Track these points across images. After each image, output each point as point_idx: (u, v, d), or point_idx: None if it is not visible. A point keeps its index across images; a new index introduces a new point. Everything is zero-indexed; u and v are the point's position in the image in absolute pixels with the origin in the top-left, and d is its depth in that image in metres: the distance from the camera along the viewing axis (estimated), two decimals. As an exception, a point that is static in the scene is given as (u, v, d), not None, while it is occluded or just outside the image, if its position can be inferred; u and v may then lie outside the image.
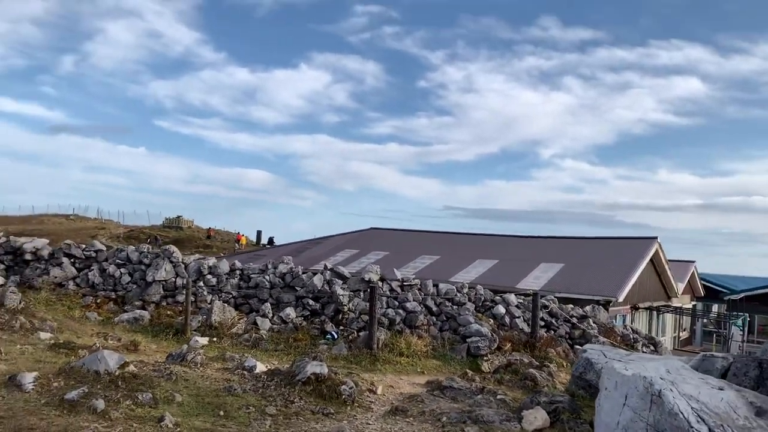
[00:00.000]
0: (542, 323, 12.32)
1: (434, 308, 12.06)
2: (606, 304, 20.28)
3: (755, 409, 4.05)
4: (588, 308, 13.52)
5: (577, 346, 12.27)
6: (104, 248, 13.79)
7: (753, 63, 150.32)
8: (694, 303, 35.67)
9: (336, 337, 11.28)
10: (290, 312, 11.88)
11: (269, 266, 13.14)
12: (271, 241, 59.64)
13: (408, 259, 27.56)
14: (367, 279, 12.31)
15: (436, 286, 12.72)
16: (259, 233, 67.38)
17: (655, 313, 26.62)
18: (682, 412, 3.58)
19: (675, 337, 31.19)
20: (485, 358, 10.88)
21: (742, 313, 32.82)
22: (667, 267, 26.85)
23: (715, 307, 40.31)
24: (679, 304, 30.01)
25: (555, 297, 13.43)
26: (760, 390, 5.54)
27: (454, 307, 12.12)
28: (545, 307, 12.74)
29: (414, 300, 12.01)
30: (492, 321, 12.17)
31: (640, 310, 24.69)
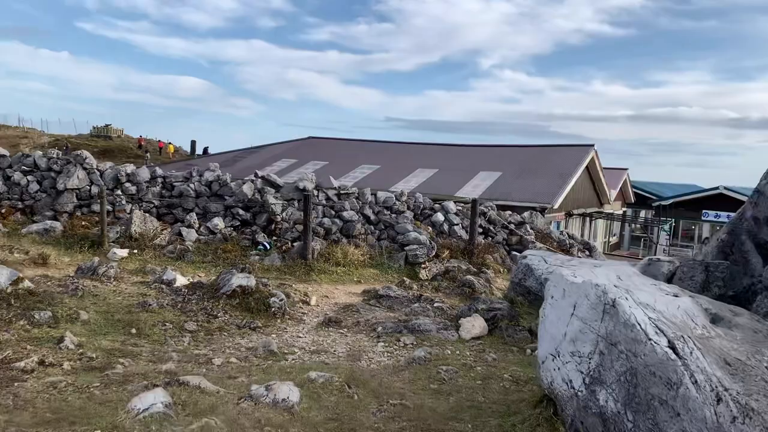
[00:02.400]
0: (480, 230, 12.12)
1: (372, 217, 11.59)
2: (542, 211, 20.49)
3: (710, 316, 3.77)
4: (526, 215, 13.40)
5: (515, 252, 12.20)
6: (7, 153, 12.41)
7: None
8: (624, 209, 36.98)
9: (268, 247, 10.70)
10: (218, 222, 11.15)
11: (194, 174, 12.20)
12: (205, 151, 57.49)
13: (348, 169, 26.90)
14: (301, 187, 11.62)
15: (374, 194, 12.19)
16: (193, 143, 64.56)
17: (588, 219, 27.33)
18: (639, 323, 3.20)
19: (605, 242, 32.42)
20: (423, 265, 10.60)
21: (669, 219, 34.29)
22: (601, 175, 27.33)
23: (642, 213, 42.06)
24: (610, 211, 30.95)
25: (494, 204, 13.19)
26: (704, 294, 5.35)
27: (393, 215, 11.68)
28: (484, 214, 12.50)
29: (351, 209, 11.48)
30: (431, 229, 11.85)
31: (574, 216, 25.22)
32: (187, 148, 64.49)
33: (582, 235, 26.79)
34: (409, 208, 12.10)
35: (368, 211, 11.61)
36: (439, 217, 12.05)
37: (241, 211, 11.42)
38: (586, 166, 25.10)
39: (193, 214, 11.33)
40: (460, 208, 12.56)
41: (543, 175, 23.42)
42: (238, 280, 7.17)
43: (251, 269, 9.57)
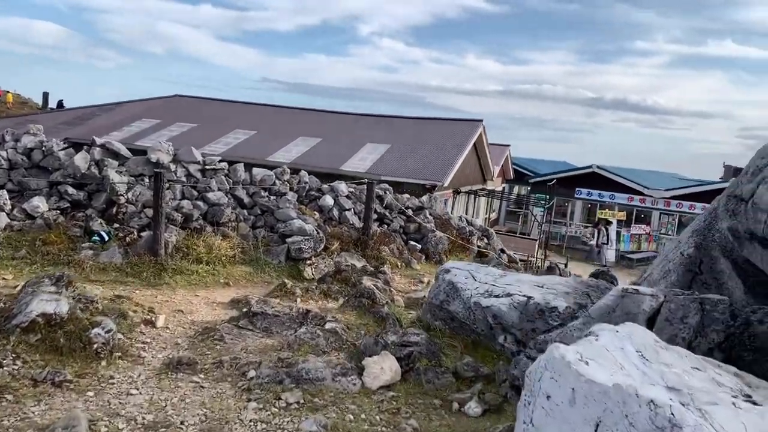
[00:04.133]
0: (375, 216, 10.45)
1: (246, 200, 9.48)
2: (432, 189, 19.33)
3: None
4: (425, 198, 11.93)
5: (412, 243, 10.70)
6: None
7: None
8: (503, 185, 37.29)
9: (107, 238, 8.27)
10: (39, 203, 8.49)
11: (7, 138, 9.30)
12: (60, 104, 51.02)
13: (219, 134, 24.09)
14: (154, 160, 9.21)
15: (249, 170, 10.05)
16: (45, 95, 56.89)
17: (472, 196, 26.78)
18: None
19: (486, 218, 32.34)
20: (309, 261, 8.77)
21: (544, 195, 34.86)
22: (488, 151, 26.80)
23: (515, 189, 42.91)
24: (492, 187, 30.79)
25: (389, 187, 11.56)
26: (698, 341, 4.02)
27: (272, 198, 9.65)
28: (380, 197, 10.83)
29: (219, 189, 9.28)
30: (318, 215, 9.98)
31: (461, 193, 24.46)
32: (39, 100, 56.82)
33: (466, 213, 26.22)
34: (292, 189, 10.11)
35: (241, 193, 9.49)
36: (329, 200, 10.20)
37: (71, 190, 8.82)
38: (474, 143, 24.29)
39: (5, 192, 8.57)
40: (352, 189, 10.78)
41: (432, 150, 22.24)
42: (41, 304, 4.89)
43: (65, 280, 7.21)
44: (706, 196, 30.09)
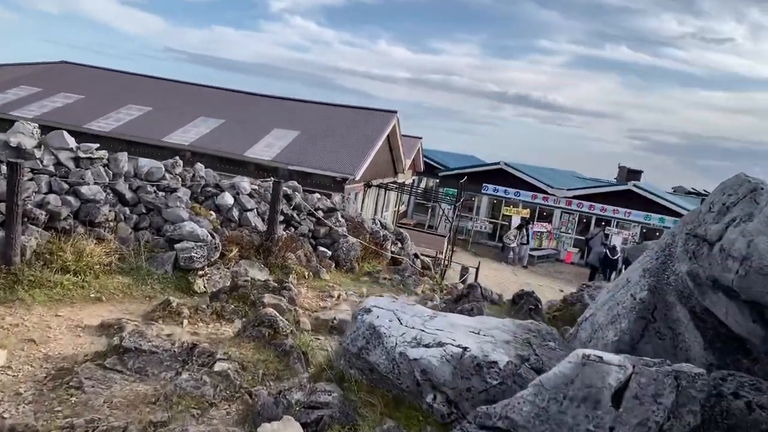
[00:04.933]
0: (281, 218, 9.41)
1: (129, 195, 8.10)
2: (343, 181, 18.46)
3: None
4: (337, 199, 11.00)
5: (322, 249, 9.76)
6: None
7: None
8: (414, 178, 37.01)
9: (-55, 239, 6.68)
10: None
11: None
12: (-76, 61, 45.06)
13: (110, 108, 21.79)
14: (14, 144, 7.63)
15: (133, 160, 8.65)
16: None
17: (383, 189, 26.14)
18: None
19: (396, 211, 31.91)
20: (201, 272, 7.60)
21: (453, 189, 34.89)
22: (400, 143, 26.19)
23: (423, 182, 42.89)
24: (404, 180, 30.33)
25: (299, 186, 10.49)
26: (670, 423, 3.37)
27: (161, 194, 8.33)
28: (287, 197, 9.75)
29: (96, 182, 7.85)
30: (215, 215, 8.78)
31: (372, 187, 23.71)
32: None
33: (377, 206, 25.57)
34: (185, 184, 8.82)
35: (123, 187, 8.10)
36: (228, 199, 9.00)
37: None
38: (388, 134, 23.56)
39: None
40: (255, 187, 9.62)
41: (345, 140, 21.27)
42: None
43: None
44: (603, 197, 31.27)
